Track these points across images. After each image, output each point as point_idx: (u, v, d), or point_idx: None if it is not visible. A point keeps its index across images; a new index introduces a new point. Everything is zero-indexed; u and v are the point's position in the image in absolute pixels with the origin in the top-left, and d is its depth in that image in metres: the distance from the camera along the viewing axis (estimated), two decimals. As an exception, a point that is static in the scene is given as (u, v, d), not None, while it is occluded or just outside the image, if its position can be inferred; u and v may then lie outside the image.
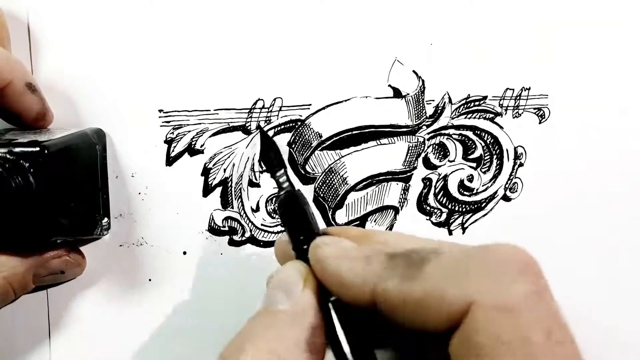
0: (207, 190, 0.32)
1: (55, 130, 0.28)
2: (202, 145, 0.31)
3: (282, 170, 0.28)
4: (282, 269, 0.23)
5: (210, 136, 0.31)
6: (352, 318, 0.21)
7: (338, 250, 0.22)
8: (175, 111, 0.30)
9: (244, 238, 0.33)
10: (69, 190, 0.26)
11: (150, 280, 0.32)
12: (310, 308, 0.21)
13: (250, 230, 0.33)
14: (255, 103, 0.31)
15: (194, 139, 0.31)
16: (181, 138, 0.31)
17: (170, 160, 0.31)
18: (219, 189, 0.32)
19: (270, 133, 0.32)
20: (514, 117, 0.35)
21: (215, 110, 0.31)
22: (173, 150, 0.31)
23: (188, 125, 0.31)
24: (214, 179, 0.32)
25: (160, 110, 0.30)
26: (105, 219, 0.30)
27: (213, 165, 0.32)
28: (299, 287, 0.22)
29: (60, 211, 0.26)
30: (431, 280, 0.19)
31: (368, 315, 0.20)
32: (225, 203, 0.32)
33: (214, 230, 0.32)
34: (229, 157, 0.32)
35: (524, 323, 0.17)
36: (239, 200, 0.32)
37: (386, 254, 0.21)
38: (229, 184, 0.32)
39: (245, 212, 0.32)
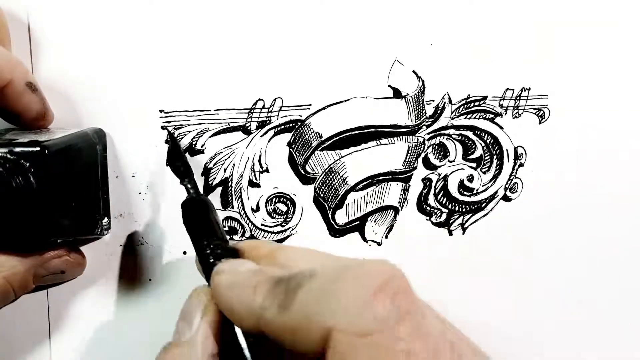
0: (207, 190, 0.32)
1: (55, 130, 0.28)
2: (202, 145, 0.31)
3: (187, 179, 0.28)
4: (191, 297, 0.24)
5: (210, 136, 0.31)
6: (257, 342, 0.21)
7: (232, 278, 0.22)
8: (176, 111, 0.30)
9: (244, 238, 0.33)
10: (69, 190, 0.26)
11: (150, 280, 0.32)
12: (207, 338, 0.22)
13: (250, 230, 0.33)
14: (255, 103, 0.31)
15: (194, 139, 0.31)
16: (182, 138, 0.31)
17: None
18: (219, 189, 0.32)
19: (271, 133, 0.32)
20: (514, 117, 0.35)
21: (215, 110, 0.31)
22: (173, 150, 0.31)
23: (188, 125, 0.31)
24: (214, 179, 0.32)
25: (160, 111, 0.30)
26: (106, 219, 0.30)
27: (213, 165, 0.32)
28: (197, 318, 0.22)
29: (61, 211, 0.26)
30: (301, 308, 0.19)
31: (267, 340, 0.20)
32: (226, 203, 0.32)
33: (214, 230, 0.32)
34: (229, 157, 0.32)
35: (380, 347, 0.17)
36: (239, 200, 0.32)
37: (273, 281, 0.20)
38: (229, 184, 0.32)
39: (245, 212, 0.32)
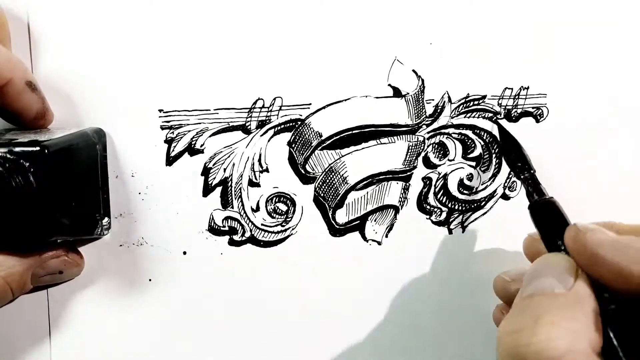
0: (207, 190, 0.32)
1: (55, 129, 0.28)
2: (202, 145, 0.31)
3: (529, 174, 0.31)
4: (545, 260, 0.24)
5: (210, 136, 0.31)
6: (624, 311, 0.21)
7: (609, 237, 0.22)
8: (175, 111, 0.30)
9: (244, 238, 0.33)
10: (69, 190, 0.26)
11: (150, 280, 0.32)
12: (589, 295, 0.21)
13: (250, 230, 0.33)
14: (255, 102, 0.31)
15: (194, 139, 0.31)
16: (181, 138, 0.31)
17: (170, 160, 0.31)
18: (219, 189, 0.32)
19: (270, 132, 0.32)
20: (512, 116, 0.36)
21: (215, 109, 0.31)
22: (173, 150, 0.31)
23: (188, 125, 0.31)
24: (214, 178, 0.32)
25: (160, 110, 0.30)
26: (106, 219, 0.30)
27: (213, 165, 0.32)
28: (571, 276, 0.22)
29: (61, 211, 0.26)
30: None
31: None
32: (225, 203, 0.32)
33: (214, 230, 0.32)
34: (229, 156, 0.32)
35: None
36: (239, 200, 0.32)
37: None
38: (229, 184, 0.32)
39: (245, 212, 0.32)
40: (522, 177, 0.32)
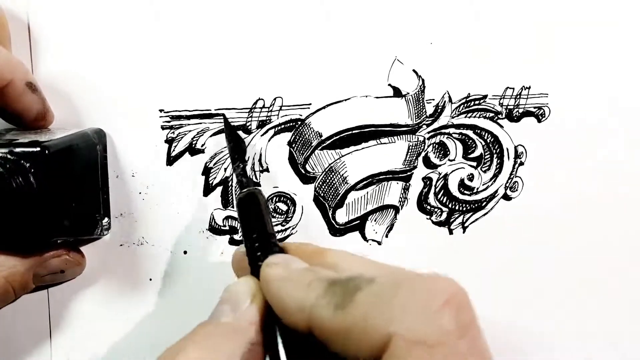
0: (207, 189, 0.32)
1: (55, 130, 0.28)
2: (202, 145, 0.31)
3: (242, 166, 0.28)
4: (234, 283, 0.23)
5: (210, 136, 0.31)
6: (296, 341, 0.21)
7: (284, 272, 0.22)
8: (176, 111, 0.30)
9: (244, 238, 0.33)
10: (69, 190, 0.26)
11: (150, 279, 0.32)
12: (252, 325, 0.21)
13: (251, 230, 0.33)
14: (255, 103, 0.31)
15: (194, 139, 0.31)
16: (182, 138, 0.31)
17: (170, 160, 0.31)
18: (219, 189, 0.32)
19: (271, 132, 0.32)
20: (514, 116, 0.35)
21: (216, 109, 0.31)
22: (174, 150, 0.31)
23: (189, 124, 0.31)
24: (215, 178, 0.32)
25: (160, 110, 0.30)
26: (106, 219, 0.30)
27: (214, 165, 0.32)
28: (245, 303, 0.22)
29: (61, 211, 0.26)
30: (358, 310, 0.19)
31: (310, 340, 0.20)
32: (226, 202, 0.32)
33: (214, 229, 0.32)
34: (229, 156, 0.32)
35: (440, 359, 0.17)
36: (240, 199, 0.32)
37: (328, 281, 0.20)
38: (230, 184, 0.32)
39: (245, 212, 0.32)
40: (234, 166, 0.29)
